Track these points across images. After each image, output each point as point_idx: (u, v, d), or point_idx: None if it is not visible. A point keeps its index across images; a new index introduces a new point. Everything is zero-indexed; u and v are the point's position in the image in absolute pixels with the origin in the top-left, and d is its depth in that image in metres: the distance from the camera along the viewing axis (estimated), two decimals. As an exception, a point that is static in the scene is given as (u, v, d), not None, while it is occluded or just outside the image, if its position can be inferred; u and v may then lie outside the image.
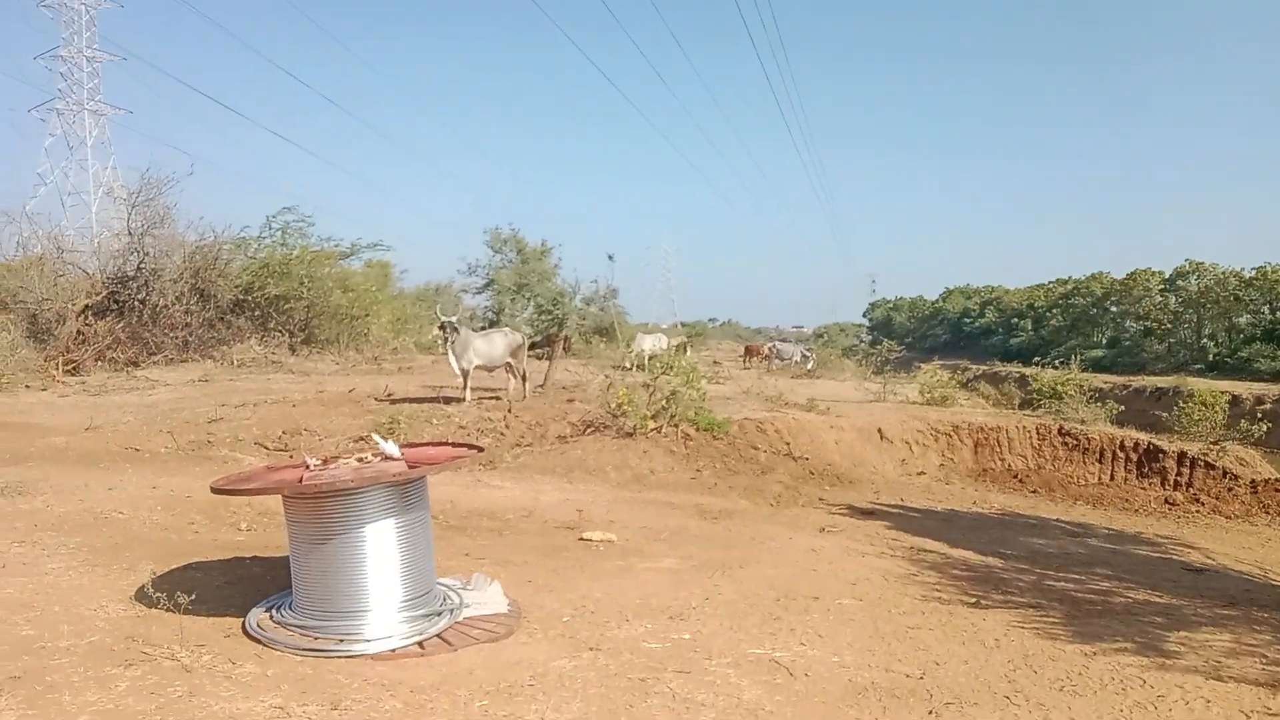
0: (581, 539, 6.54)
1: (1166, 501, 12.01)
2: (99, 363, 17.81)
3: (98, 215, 46.16)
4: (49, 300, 18.55)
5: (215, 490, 4.16)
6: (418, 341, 25.48)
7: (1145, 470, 13.14)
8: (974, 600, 5.55)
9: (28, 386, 14.44)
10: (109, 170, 55.36)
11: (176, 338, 19.32)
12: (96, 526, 5.82)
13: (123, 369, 17.61)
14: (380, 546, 4.06)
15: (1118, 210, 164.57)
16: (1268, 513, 11.40)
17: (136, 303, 19.21)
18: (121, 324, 18.90)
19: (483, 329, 15.55)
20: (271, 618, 4.15)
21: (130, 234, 19.78)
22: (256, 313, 21.57)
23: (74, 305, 18.41)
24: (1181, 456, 13.06)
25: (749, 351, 35.31)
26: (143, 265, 19.55)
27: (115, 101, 59.43)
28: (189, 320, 19.68)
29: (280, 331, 21.40)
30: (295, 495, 4.06)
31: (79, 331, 18.11)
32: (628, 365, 20.50)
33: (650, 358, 20.46)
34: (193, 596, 4.12)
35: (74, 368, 17.00)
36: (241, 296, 21.34)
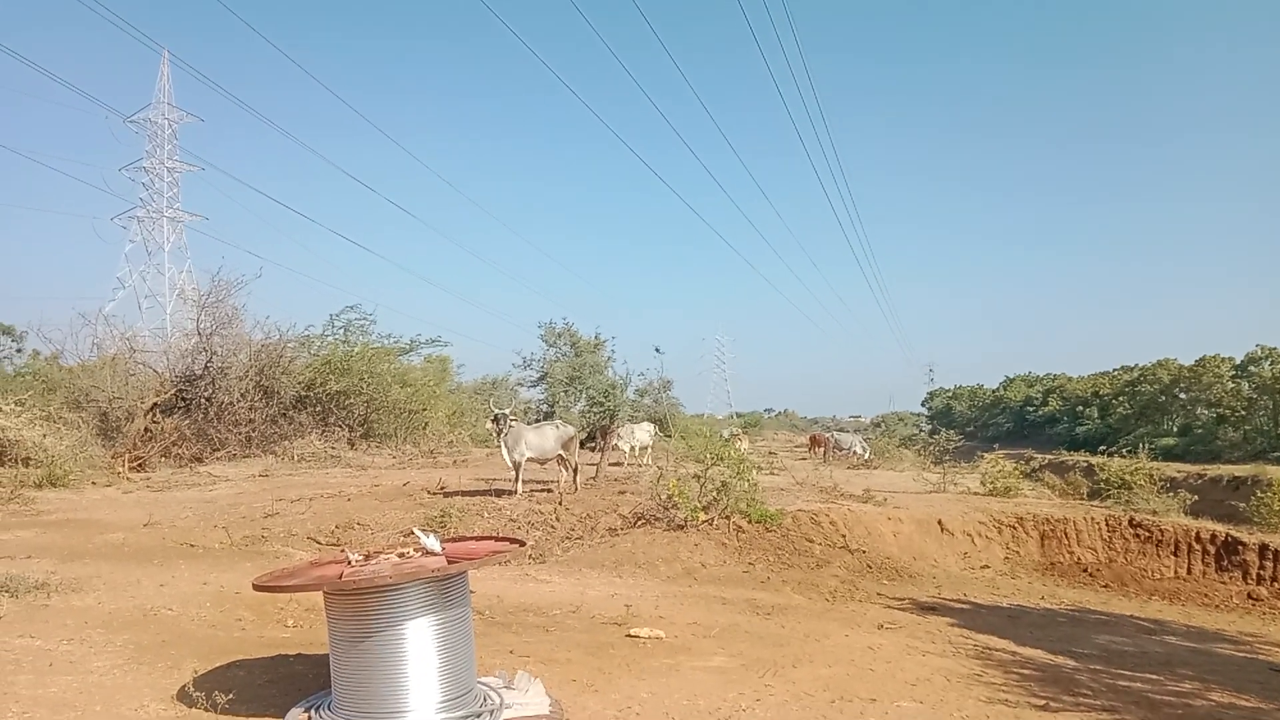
0: (629, 635, 6.38)
1: (1250, 596, 11.37)
2: (164, 459, 18.30)
3: (172, 317, 48.27)
4: (119, 399, 19.22)
5: (257, 587, 4.17)
6: (473, 434, 25.67)
7: (1225, 564, 12.47)
8: (1043, 703, 5.26)
9: (94, 483, 14.82)
10: (184, 274, 57.82)
11: (240, 434, 19.80)
12: (145, 624, 5.85)
13: (187, 465, 18.05)
14: (420, 644, 4.00)
15: (1177, 296, 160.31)
16: (1362, 610, 10.71)
17: (203, 400, 19.80)
18: (188, 421, 19.47)
19: (536, 422, 15.66)
20: (310, 718, 4.08)
21: (199, 334, 20.52)
22: (318, 408, 22.01)
23: (143, 403, 19.02)
24: (1264, 549, 12.37)
25: (814, 442, 34.38)
26: (210, 364, 20.19)
27: (193, 209, 62.46)
28: (252, 417, 20.18)
29: (340, 426, 21.78)
30: (335, 591, 4.04)
31: (146, 429, 18.66)
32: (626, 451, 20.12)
33: (641, 448, 20.25)
34: (231, 695, 4.09)
35: (140, 464, 17.46)
36: (304, 393, 21.83)
